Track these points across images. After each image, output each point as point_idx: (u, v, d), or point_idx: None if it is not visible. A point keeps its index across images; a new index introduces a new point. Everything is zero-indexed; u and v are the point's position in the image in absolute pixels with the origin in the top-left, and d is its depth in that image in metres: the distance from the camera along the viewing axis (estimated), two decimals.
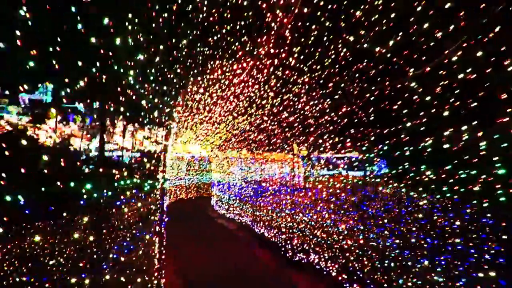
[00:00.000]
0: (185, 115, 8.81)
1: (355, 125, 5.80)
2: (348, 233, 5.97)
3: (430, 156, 3.76)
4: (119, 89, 3.00)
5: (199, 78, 6.13)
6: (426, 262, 3.78)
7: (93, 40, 2.29)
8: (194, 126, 11.31)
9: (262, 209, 11.85)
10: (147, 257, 4.37)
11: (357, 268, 5.41)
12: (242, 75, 6.70)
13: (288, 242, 8.58)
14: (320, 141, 7.11)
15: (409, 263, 4.14)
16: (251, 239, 11.12)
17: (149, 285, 4.35)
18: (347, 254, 5.76)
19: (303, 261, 7.65)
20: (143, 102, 3.90)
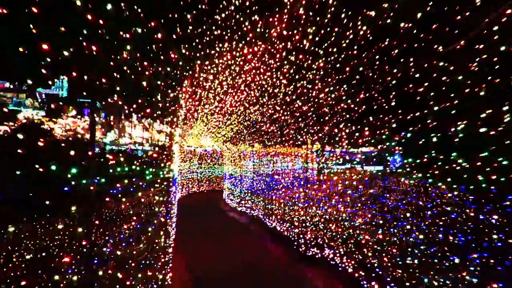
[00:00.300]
0: (194, 104, 8.54)
1: (374, 112, 5.40)
2: (365, 228, 5.60)
3: (462, 142, 3.36)
4: (112, 63, 2.70)
5: (207, 62, 5.82)
6: (456, 260, 3.40)
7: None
8: (204, 117, 11.05)
9: (274, 202, 11.56)
10: (151, 251, 4.15)
11: (376, 264, 5.06)
12: (252, 61, 6.36)
13: (301, 236, 8.27)
14: (336, 130, 6.73)
15: (436, 261, 3.76)
16: (263, 233, 10.86)
17: (153, 281, 4.14)
18: (365, 250, 5.41)
19: (316, 256, 7.33)
20: (144, 83, 3.63)
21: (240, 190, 16.56)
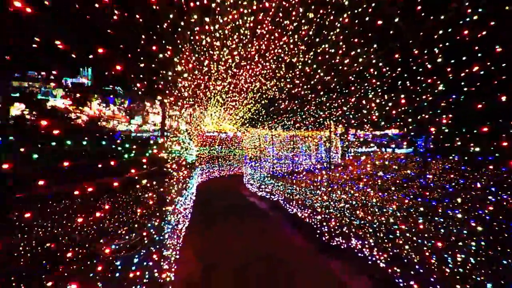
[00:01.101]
0: (206, 79, 7.72)
1: (413, 74, 4.38)
2: (401, 215, 4.67)
3: None
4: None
5: (207, 19, 4.95)
6: None
7: None
8: (219, 96, 10.24)
9: (295, 187, 10.73)
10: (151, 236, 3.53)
11: (415, 260, 4.15)
12: (265, 21, 5.44)
13: (324, 224, 7.43)
14: (364, 102, 5.72)
15: (504, 261, 2.82)
16: (283, 219, 10.10)
17: (156, 271, 3.50)
18: (400, 242, 4.49)
19: (342, 246, 6.49)
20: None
21: (260, 174, 15.84)
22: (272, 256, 6.74)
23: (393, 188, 4.95)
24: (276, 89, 8.72)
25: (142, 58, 5.18)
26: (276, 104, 10.11)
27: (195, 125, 13.30)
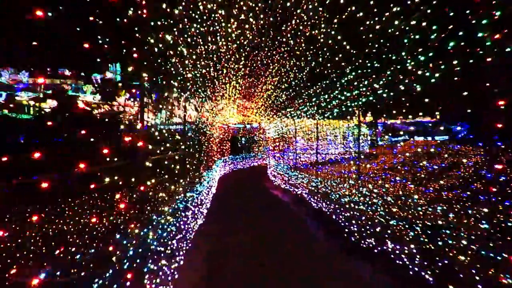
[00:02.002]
0: (211, 57, 6.86)
1: (471, 30, 3.30)
2: (454, 217, 3.64)
3: None
4: None
5: None
6: None
7: None
8: (234, 81, 9.40)
9: (320, 179, 9.76)
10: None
11: (476, 278, 3.13)
12: None
13: (353, 221, 6.45)
14: (401, 76, 4.65)
15: None
16: (307, 215, 9.19)
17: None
18: (454, 253, 3.47)
19: (374, 250, 5.50)
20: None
21: (283, 166, 14.95)
22: (291, 257, 5.88)
23: (442, 182, 3.93)
24: (296, 70, 7.74)
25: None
26: (297, 88, 9.11)
27: (214, 115, 12.56)
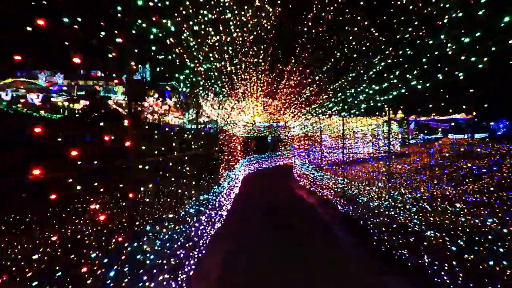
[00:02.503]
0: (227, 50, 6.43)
1: None
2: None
3: None
4: None
5: None
6: None
7: None
8: (254, 76, 8.96)
9: (348, 181, 9.10)
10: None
11: None
12: None
13: (384, 229, 5.81)
14: (440, 64, 3.99)
15: None
16: (332, 219, 8.57)
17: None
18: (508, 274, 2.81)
19: (409, 264, 4.86)
20: None
21: (309, 166, 14.33)
22: (314, 267, 5.33)
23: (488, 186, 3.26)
24: (319, 63, 7.16)
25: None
26: (321, 83, 8.51)
27: (235, 112, 12.21)
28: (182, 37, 4.56)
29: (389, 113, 6.41)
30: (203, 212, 5.76)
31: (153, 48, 3.78)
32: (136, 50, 3.10)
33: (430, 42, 3.69)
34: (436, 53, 3.61)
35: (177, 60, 4.49)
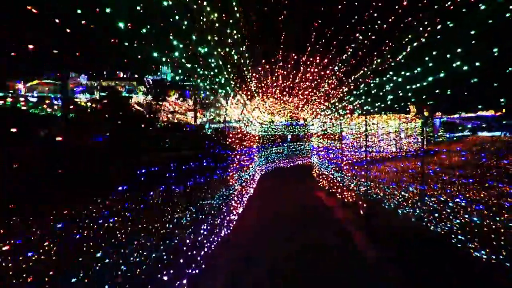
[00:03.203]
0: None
1: None
2: None
3: None
4: None
5: None
6: None
7: None
8: (274, 70, 8.28)
9: (371, 182, 8.22)
10: None
11: None
12: None
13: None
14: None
15: None
16: (353, 224, 7.72)
17: None
18: None
19: None
20: None
21: (328, 165, 13.43)
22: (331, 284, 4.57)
23: None
24: (337, 53, 6.34)
25: None
26: (341, 75, 7.69)
27: (249, 108, 11.57)
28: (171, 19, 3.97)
29: (422, 106, 5.51)
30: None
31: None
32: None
33: (482, 7, 2.79)
34: (490, 21, 2.74)
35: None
